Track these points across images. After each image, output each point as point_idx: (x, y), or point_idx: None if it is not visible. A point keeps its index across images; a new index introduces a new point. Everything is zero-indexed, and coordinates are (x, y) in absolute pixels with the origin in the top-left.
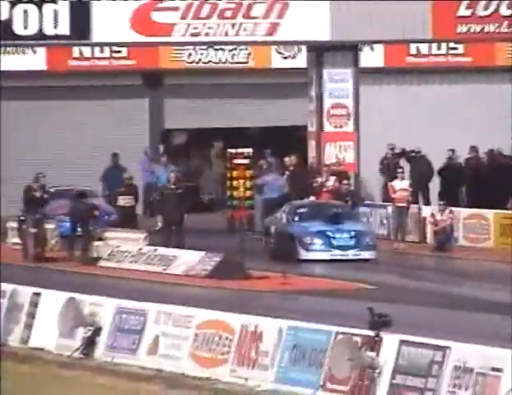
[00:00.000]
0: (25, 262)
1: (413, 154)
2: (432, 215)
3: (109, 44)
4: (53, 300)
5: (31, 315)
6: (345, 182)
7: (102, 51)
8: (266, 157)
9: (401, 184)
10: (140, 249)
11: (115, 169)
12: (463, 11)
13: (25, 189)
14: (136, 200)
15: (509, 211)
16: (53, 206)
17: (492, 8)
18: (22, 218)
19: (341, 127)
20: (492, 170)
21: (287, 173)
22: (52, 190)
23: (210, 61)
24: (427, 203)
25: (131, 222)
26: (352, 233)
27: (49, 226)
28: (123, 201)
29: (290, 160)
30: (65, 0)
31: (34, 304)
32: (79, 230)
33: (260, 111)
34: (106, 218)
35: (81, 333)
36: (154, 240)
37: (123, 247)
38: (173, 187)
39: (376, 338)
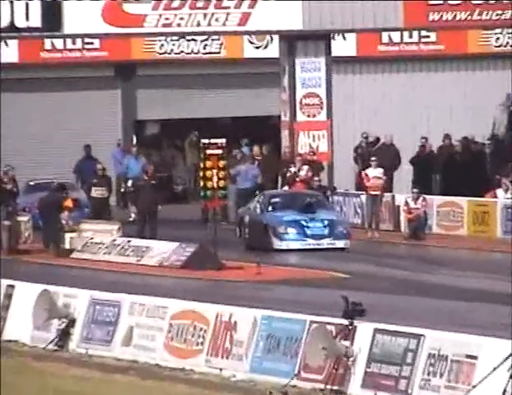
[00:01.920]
0: None
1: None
2: (406, 203)
3: (81, 36)
4: (27, 292)
5: (5, 307)
6: (316, 178)
7: (74, 43)
8: (240, 147)
9: (374, 172)
10: (114, 241)
11: (88, 161)
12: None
13: None
14: (109, 191)
15: (483, 199)
16: (31, 199)
17: None
18: None
19: (314, 116)
20: (466, 158)
21: (257, 162)
22: (31, 183)
23: (182, 51)
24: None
25: (104, 213)
26: (326, 222)
27: (23, 219)
28: (96, 192)
29: (259, 149)
30: None
31: (9, 297)
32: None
33: (233, 101)
34: (87, 210)
35: (56, 325)
36: (128, 231)
37: (97, 238)
38: (146, 178)
39: (350, 327)
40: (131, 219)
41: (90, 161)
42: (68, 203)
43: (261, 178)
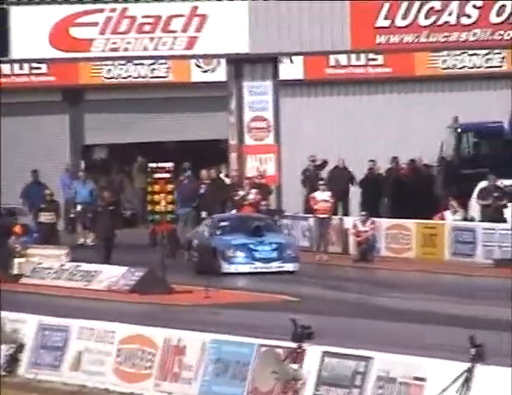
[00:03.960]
0: None
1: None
2: (354, 225)
3: (28, 61)
4: None
5: None
6: (263, 202)
7: (21, 68)
8: (185, 171)
9: (322, 195)
10: (62, 265)
11: (36, 186)
12: (381, 21)
13: None
14: (57, 216)
15: (431, 221)
16: None
17: (411, 18)
18: None
19: (261, 139)
20: (413, 180)
21: (203, 186)
22: None
23: (129, 76)
24: (346, 214)
25: (53, 238)
26: (274, 245)
27: None
28: (44, 217)
29: (206, 173)
30: None
31: None
32: None
33: (181, 125)
34: (35, 236)
35: (4, 351)
36: (76, 256)
37: (46, 263)
38: (103, 203)
39: (299, 350)
40: (79, 243)
41: (38, 186)
42: (17, 229)
43: (202, 201)
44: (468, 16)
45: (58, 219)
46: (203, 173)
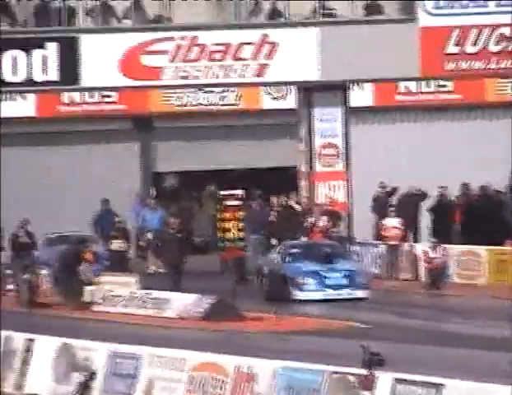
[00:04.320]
0: (19, 308)
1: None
2: (425, 252)
3: (99, 89)
4: (46, 346)
5: (25, 361)
6: (333, 229)
7: (92, 96)
8: (255, 198)
9: (392, 222)
10: (133, 293)
11: (106, 214)
12: (451, 48)
13: (11, 236)
14: (128, 244)
15: (503, 248)
16: (51, 253)
17: (480, 45)
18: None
19: (331, 166)
20: (484, 206)
21: (273, 213)
22: (52, 236)
23: (200, 103)
24: (415, 241)
25: (123, 266)
26: (345, 272)
27: (43, 272)
28: (115, 245)
29: (277, 200)
30: (53, 41)
31: (28, 350)
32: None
33: (251, 152)
34: (106, 263)
35: (76, 378)
36: (147, 284)
37: (116, 291)
38: (171, 231)
39: (370, 377)
40: (150, 271)
41: (108, 214)
42: (88, 255)
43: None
44: None
45: (128, 247)
46: (273, 200)
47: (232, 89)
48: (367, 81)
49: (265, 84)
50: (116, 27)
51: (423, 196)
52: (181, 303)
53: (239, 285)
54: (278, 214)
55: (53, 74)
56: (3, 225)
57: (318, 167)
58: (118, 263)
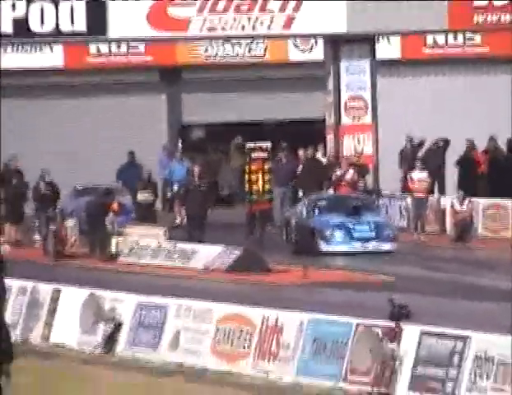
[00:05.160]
0: (46, 260)
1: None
2: (452, 205)
3: (126, 40)
4: (73, 297)
5: (52, 312)
6: (360, 182)
7: (119, 47)
8: (282, 150)
9: (419, 175)
10: (159, 245)
11: (131, 167)
12: (479, 1)
13: (32, 188)
14: (155, 196)
15: None
16: (78, 204)
17: None
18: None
19: (359, 119)
20: (510, 159)
21: (301, 165)
22: (78, 188)
23: (227, 55)
24: (443, 194)
25: (150, 218)
26: (372, 225)
27: (69, 223)
28: (142, 197)
29: (304, 153)
30: None
31: (55, 301)
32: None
33: (277, 105)
34: (133, 215)
35: (102, 329)
36: (174, 235)
37: (143, 242)
38: (197, 182)
39: (397, 329)
40: (176, 223)
41: (134, 167)
42: (115, 206)
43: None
44: None
45: (155, 199)
46: (301, 152)
47: (259, 41)
48: (395, 33)
49: (292, 36)
50: None
51: (446, 144)
52: (208, 254)
53: (266, 237)
54: (305, 166)
55: (81, 25)
56: (29, 178)
57: (345, 120)
58: (145, 215)
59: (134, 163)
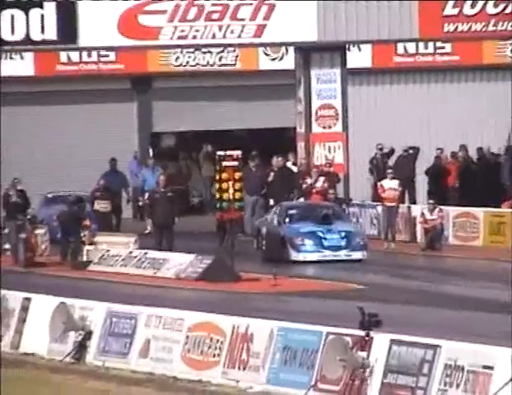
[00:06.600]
0: (16, 268)
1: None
2: (422, 214)
3: (97, 48)
4: (43, 305)
5: (22, 320)
6: (331, 190)
7: (90, 55)
8: (253, 159)
9: (390, 184)
10: (130, 253)
11: (113, 173)
12: (449, 10)
13: (3, 195)
14: (112, 205)
15: (499, 210)
16: (49, 212)
17: (479, 7)
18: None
19: (329, 127)
20: (481, 168)
21: (272, 174)
22: (49, 195)
23: (197, 63)
24: (413, 202)
25: (107, 227)
26: (343, 233)
27: (40, 231)
28: (98, 205)
29: (277, 161)
30: (51, 1)
31: (25, 309)
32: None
33: (248, 113)
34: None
35: (73, 338)
36: (144, 244)
37: (114, 251)
38: (163, 190)
39: (367, 338)
40: (147, 231)
41: (115, 174)
42: (87, 224)
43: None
44: None
45: (112, 207)
46: (271, 161)
47: (230, 49)
48: (365, 42)
49: (263, 44)
50: None
51: (417, 152)
52: (178, 263)
53: (236, 245)
54: (276, 175)
55: (51, 33)
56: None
57: (315, 128)
58: (102, 224)
59: (116, 170)
